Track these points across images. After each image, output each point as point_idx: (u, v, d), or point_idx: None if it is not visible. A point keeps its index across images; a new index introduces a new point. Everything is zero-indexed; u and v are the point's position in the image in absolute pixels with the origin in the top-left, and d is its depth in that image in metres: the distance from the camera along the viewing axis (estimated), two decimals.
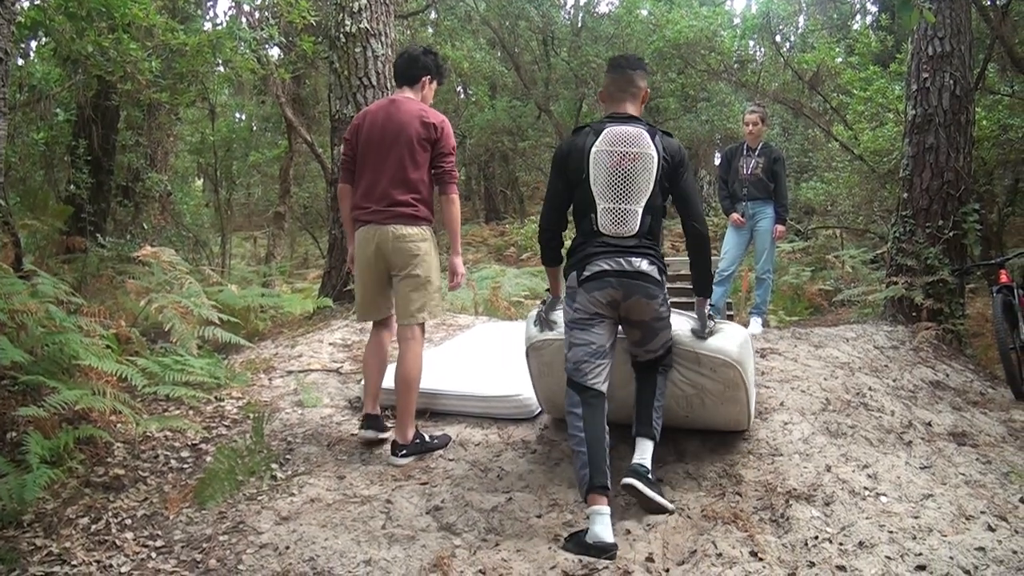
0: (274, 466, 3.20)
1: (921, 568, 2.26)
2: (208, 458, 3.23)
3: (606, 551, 2.40)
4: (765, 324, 5.73)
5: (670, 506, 2.70)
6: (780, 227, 5.51)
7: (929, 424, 3.55)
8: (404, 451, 3.24)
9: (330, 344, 4.79)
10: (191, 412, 3.69)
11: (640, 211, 2.71)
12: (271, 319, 5.52)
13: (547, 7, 15.11)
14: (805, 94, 12.17)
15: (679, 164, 2.80)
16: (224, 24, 9.36)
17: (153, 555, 2.54)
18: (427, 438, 3.35)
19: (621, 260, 2.70)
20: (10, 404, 3.15)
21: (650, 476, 2.70)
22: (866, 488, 2.76)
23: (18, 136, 7.75)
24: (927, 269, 5.30)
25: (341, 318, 5.34)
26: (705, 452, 3.15)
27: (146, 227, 9.12)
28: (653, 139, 2.74)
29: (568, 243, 2.91)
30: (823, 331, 5.06)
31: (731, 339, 2.96)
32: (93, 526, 2.69)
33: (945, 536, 2.44)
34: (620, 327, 2.84)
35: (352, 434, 3.51)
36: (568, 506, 2.81)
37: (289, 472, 3.18)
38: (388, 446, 3.30)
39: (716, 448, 3.16)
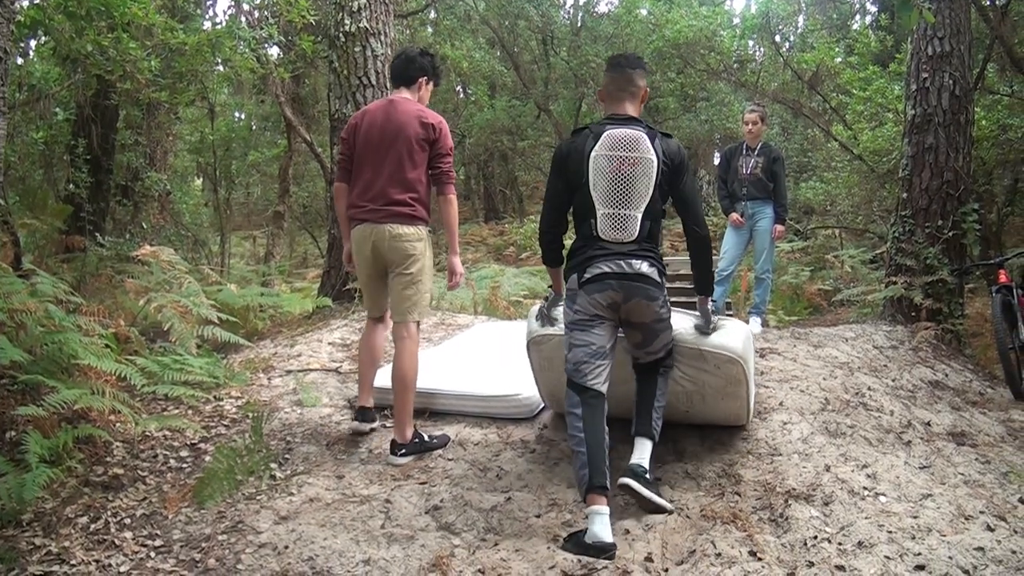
0: (273, 466, 3.20)
1: (920, 568, 2.26)
2: (207, 457, 3.23)
3: (605, 551, 2.40)
4: (764, 324, 5.73)
5: (668, 505, 2.70)
6: (779, 227, 5.51)
7: (928, 424, 3.55)
8: (403, 450, 3.24)
9: (329, 343, 4.79)
10: (190, 411, 3.69)
11: (640, 216, 2.72)
12: (270, 318, 5.51)
13: (546, 7, 15.11)
14: (804, 94, 12.18)
15: (679, 167, 2.79)
16: (223, 23, 9.37)
17: (152, 554, 2.54)
18: (426, 438, 3.35)
19: (621, 262, 2.70)
20: (9, 403, 3.15)
21: (648, 476, 2.70)
22: (865, 488, 2.76)
23: (17, 135, 7.73)
24: (926, 269, 5.30)
25: (340, 317, 5.34)
26: (704, 452, 3.16)
27: (145, 226, 9.11)
28: (653, 142, 2.74)
29: (568, 244, 2.91)
30: (822, 331, 5.07)
31: (735, 335, 2.98)
32: (92, 525, 2.69)
33: (944, 536, 2.44)
34: (620, 329, 2.84)
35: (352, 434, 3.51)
36: (567, 506, 2.81)
37: (288, 472, 3.18)
38: (387, 445, 3.30)
39: (715, 448, 3.17)
